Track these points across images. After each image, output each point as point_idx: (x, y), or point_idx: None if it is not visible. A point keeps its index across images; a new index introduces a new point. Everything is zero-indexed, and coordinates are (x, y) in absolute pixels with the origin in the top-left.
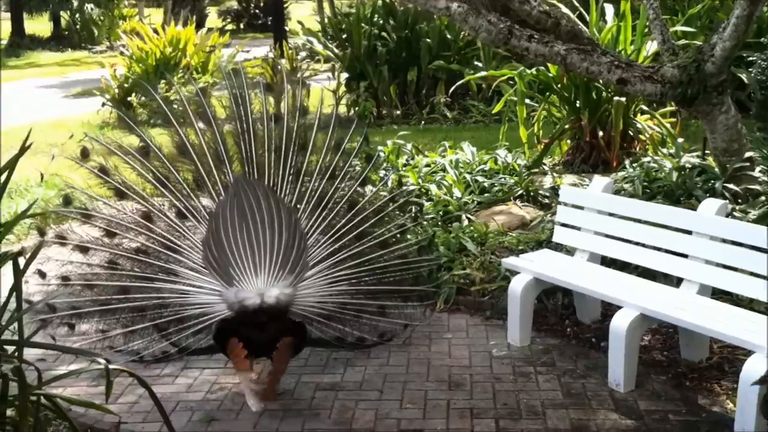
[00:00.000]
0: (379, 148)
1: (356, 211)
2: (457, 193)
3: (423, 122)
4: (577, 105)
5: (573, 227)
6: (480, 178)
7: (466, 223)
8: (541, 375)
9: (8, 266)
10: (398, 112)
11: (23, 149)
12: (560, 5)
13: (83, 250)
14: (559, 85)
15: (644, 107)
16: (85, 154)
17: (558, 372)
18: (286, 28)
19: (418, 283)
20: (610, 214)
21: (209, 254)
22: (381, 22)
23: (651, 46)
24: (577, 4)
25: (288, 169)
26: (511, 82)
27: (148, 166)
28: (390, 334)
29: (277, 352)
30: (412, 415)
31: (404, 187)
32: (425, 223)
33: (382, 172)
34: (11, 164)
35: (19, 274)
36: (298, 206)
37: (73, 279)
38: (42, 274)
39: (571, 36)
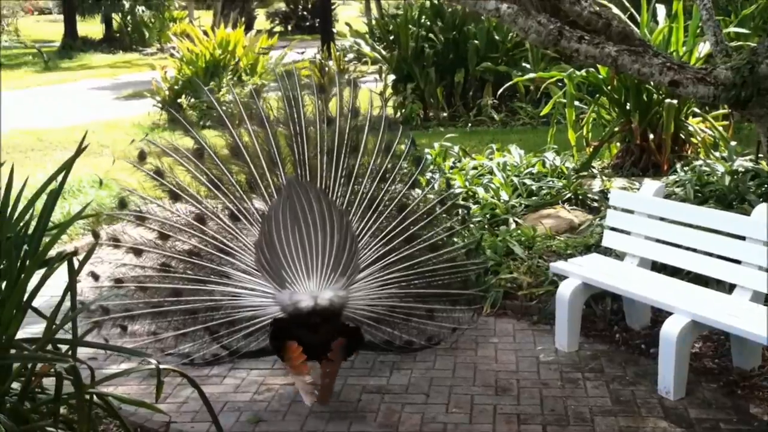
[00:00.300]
0: (426, 150)
1: (405, 214)
2: (504, 196)
3: (470, 124)
4: (628, 107)
5: (623, 231)
6: (528, 181)
7: (513, 226)
8: (589, 381)
9: (61, 266)
10: (445, 114)
11: (79, 151)
12: (611, 6)
13: (136, 252)
14: (609, 87)
15: (696, 110)
16: (142, 156)
17: (606, 378)
18: (334, 30)
19: (466, 287)
20: (661, 219)
21: (262, 257)
22: (428, 23)
23: (703, 48)
24: (628, 5)
25: (340, 172)
26: (559, 83)
27: (202, 168)
28: (437, 338)
29: (331, 353)
30: (459, 419)
31: (451, 190)
32: (473, 225)
33: (428, 174)
34: (68, 165)
35: (73, 274)
36: (349, 209)
37: (125, 281)
38: (95, 276)
39: (622, 37)
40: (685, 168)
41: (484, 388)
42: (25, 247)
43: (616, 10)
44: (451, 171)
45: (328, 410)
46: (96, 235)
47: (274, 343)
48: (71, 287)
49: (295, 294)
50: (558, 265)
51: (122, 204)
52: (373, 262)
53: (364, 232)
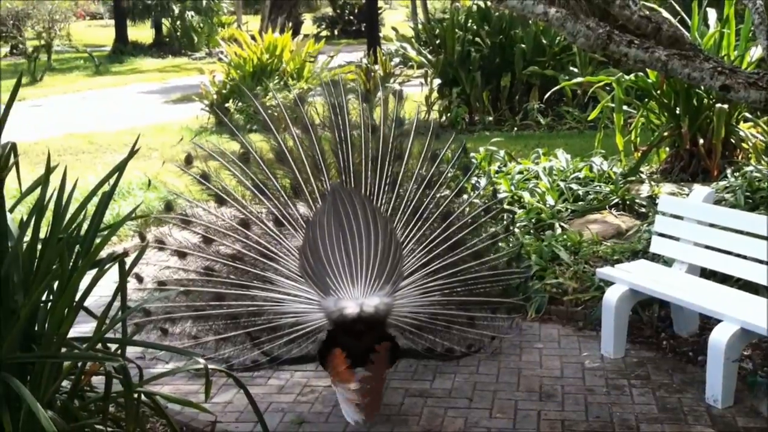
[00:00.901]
0: (472, 155)
1: (450, 221)
2: (550, 200)
3: (516, 129)
4: (677, 112)
5: (671, 237)
6: (574, 186)
7: (559, 231)
8: (635, 388)
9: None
10: (491, 118)
11: (131, 154)
12: (661, 9)
13: (181, 255)
14: (658, 92)
15: (747, 114)
16: (189, 160)
17: (653, 385)
18: (380, 34)
19: (507, 295)
20: (711, 225)
21: (306, 263)
22: (475, 27)
23: (755, 52)
24: (678, 9)
25: (384, 179)
26: (607, 88)
27: (247, 172)
28: (477, 345)
29: (376, 356)
30: (502, 424)
31: (497, 197)
32: (517, 231)
33: (473, 179)
34: (120, 168)
35: (124, 275)
36: (394, 216)
37: (169, 284)
38: (139, 278)
39: (672, 41)
40: (736, 173)
41: (528, 393)
42: (77, 247)
43: (666, 14)
44: (496, 175)
45: None
46: (143, 238)
47: (322, 351)
48: (122, 288)
49: (339, 301)
50: (605, 271)
51: (169, 207)
52: (417, 269)
53: (408, 239)
